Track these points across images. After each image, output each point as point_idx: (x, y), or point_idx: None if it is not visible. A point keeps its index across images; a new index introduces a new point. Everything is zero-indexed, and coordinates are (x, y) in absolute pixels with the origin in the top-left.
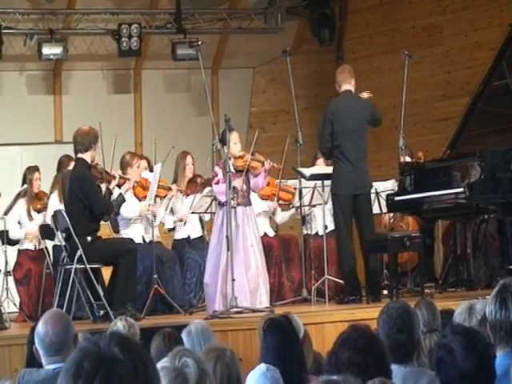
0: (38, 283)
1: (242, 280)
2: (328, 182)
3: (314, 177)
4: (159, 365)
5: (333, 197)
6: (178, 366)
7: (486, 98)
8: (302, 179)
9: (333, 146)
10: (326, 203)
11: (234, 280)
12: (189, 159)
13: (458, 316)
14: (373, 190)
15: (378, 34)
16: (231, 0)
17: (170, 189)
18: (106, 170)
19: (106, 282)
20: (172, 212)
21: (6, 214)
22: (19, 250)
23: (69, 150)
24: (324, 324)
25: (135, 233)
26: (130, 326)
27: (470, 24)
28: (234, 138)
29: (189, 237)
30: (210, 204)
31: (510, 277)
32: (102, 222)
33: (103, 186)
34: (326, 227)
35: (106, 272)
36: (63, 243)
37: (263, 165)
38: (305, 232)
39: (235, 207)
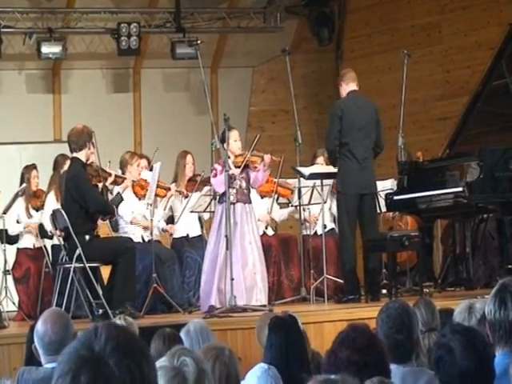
0: (36, 282)
1: (238, 277)
2: (327, 182)
3: (313, 176)
4: (158, 364)
5: (338, 195)
6: (177, 365)
7: (485, 98)
8: (301, 178)
9: (340, 144)
10: (325, 202)
11: (232, 279)
12: (189, 158)
13: (457, 315)
14: None
15: (378, 33)
16: None
17: (169, 189)
18: (102, 167)
19: (105, 280)
20: (171, 210)
21: (4, 212)
22: (18, 248)
23: (68, 148)
24: (323, 323)
25: (134, 231)
26: (128, 324)
27: (470, 23)
28: (234, 136)
29: (188, 235)
30: (209, 203)
31: (509, 276)
32: (101, 222)
33: (99, 185)
34: (324, 226)
35: (105, 271)
36: (62, 242)
37: (262, 159)
38: (304, 232)
39: (234, 203)
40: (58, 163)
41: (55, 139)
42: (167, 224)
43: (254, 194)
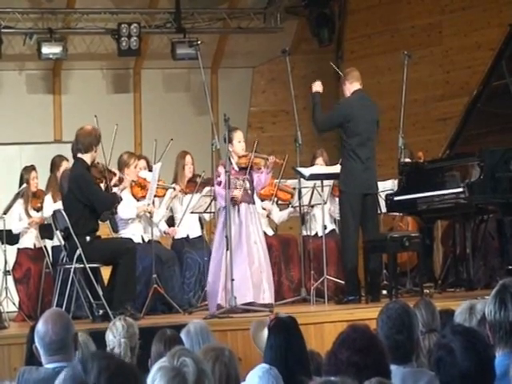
0: (37, 283)
1: (245, 275)
2: (327, 182)
3: (313, 177)
4: (158, 364)
5: (342, 194)
6: (177, 365)
7: (485, 98)
8: (302, 179)
9: (344, 144)
10: (325, 203)
11: (233, 280)
12: (188, 159)
13: (458, 316)
14: None
15: (378, 34)
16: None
17: (170, 188)
18: (108, 167)
19: (106, 281)
20: (171, 211)
21: (5, 213)
22: (19, 249)
23: (68, 149)
24: (323, 324)
25: (134, 232)
26: (128, 325)
27: (470, 24)
28: (238, 137)
29: (188, 236)
30: (210, 204)
31: (509, 277)
32: (101, 222)
33: (102, 186)
34: (325, 227)
35: (106, 272)
36: (62, 243)
37: (266, 161)
38: (304, 233)
39: (238, 204)
40: (54, 164)
41: (55, 140)
42: (169, 226)
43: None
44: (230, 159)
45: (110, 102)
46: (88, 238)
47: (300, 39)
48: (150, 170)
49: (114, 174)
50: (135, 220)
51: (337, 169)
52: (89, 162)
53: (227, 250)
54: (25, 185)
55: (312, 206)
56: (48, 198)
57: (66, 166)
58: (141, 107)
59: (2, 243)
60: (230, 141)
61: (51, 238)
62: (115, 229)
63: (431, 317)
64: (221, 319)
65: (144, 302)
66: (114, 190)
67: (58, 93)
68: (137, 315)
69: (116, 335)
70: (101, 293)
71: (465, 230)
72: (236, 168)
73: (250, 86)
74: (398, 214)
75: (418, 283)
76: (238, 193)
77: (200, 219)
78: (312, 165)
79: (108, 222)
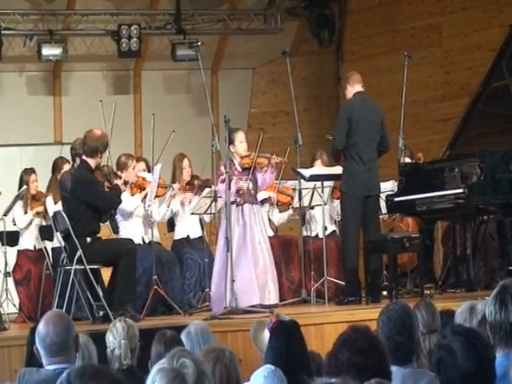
0: (37, 284)
1: (250, 276)
2: (327, 183)
3: (313, 177)
4: (157, 366)
5: (344, 196)
6: (177, 366)
7: (485, 99)
8: (302, 180)
9: (346, 145)
10: (325, 204)
11: (233, 281)
12: (185, 162)
13: (458, 316)
14: None
15: (378, 35)
16: (231, 1)
17: (170, 187)
18: (114, 170)
19: (106, 282)
20: (172, 213)
21: (5, 214)
22: (19, 250)
23: (68, 150)
24: (323, 325)
25: (135, 233)
26: (129, 327)
27: (470, 25)
28: (240, 137)
29: (188, 236)
30: (210, 205)
31: (509, 278)
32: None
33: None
34: (325, 228)
35: (106, 273)
36: (63, 244)
37: (269, 161)
38: (304, 234)
39: (242, 205)
40: (56, 166)
41: (56, 141)
42: (168, 231)
43: None
44: (232, 160)
45: (111, 104)
46: (88, 240)
47: (300, 40)
48: (150, 173)
49: (120, 177)
50: (136, 219)
51: (337, 170)
52: (93, 166)
53: (228, 251)
54: (25, 187)
55: (312, 208)
56: (49, 200)
57: (67, 167)
58: (141, 109)
59: (3, 245)
60: (232, 141)
61: (51, 240)
62: (115, 230)
63: (431, 317)
64: (221, 320)
65: (144, 304)
66: None
67: (58, 94)
68: (137, 316)
69: (116, 336)
70: (101, 294)
71: (465, 231)
72: (239, 169)
73: (251, 87)
74: (396, 214)
75: (419, 284)
76: (244, 184)
77: (200, 220)
78: (311, 166)
79: (108, 222)
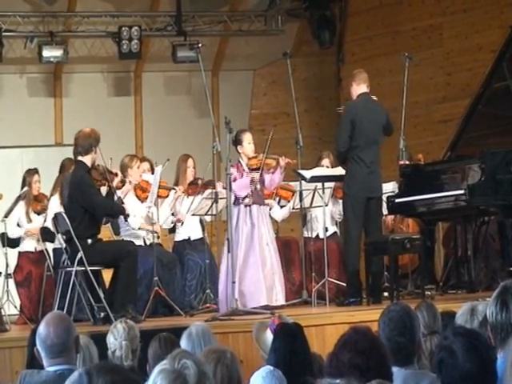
0: (38, 286)
1: (258, 277)
2: (328, 184)
3: (314, 179)
4: (158, 367)
5: (346, 197)
6: (178, 367)
7: (486, 100)
8: (303, 181)
9: (349, 147)
10: (326, 205)
11: (233, 282)
12: (190, 162)
13: (459, 317)
14: None
15: (378, 36)
16: (231, 2)
17: (172, 189)
18: (108, 168)
19: (107, 284)
20: (172, 214)
21: (6, 216)
22: (20, 252)
23: (69, 152)
24: (324, 326)
25: (136, 235)
26: (130, 328)
27: (471, 26)
28: (247, 138)
29: (189, 238)
30: (211, 206)
31: (510, 279)
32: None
33: (103, 189)
34: (326, 229)
35: (107, 274)
36: (64, 245)
37: (277, 162)
38: (305, 234)
39: (250, 205)
40: (64, 167)
41: (56, 143)
42: (169, 232)
43: None
44: (239, 161)
45: (111, 106)
46: (89, 241)
47: (301, 42)
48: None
49: (116, 175)
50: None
51: (338, 171)
52: (89, 164)
53: (228, 252)
54: (26, 187)
55: (313, 208)
56: (55, 200)
57: None
58: (142, 110)
59: (4, 246)
60: (240, 142)
61: (52, 241)
62: (116, 231)
63: (433, 319)
64: (222, 321)
65: (145, 305)
66: (118, 192)
67: (59, 96)
68: (138, 318)
69: (117, 338)
70: (102, 295)
71: (466, 232)
72: (246, 169)
73: (251, 88)
74: (396, 216)
75: (420, 285)
76: (256, 174)
77: (201, 221)
78: (317, 166)
79: (109, 224)
